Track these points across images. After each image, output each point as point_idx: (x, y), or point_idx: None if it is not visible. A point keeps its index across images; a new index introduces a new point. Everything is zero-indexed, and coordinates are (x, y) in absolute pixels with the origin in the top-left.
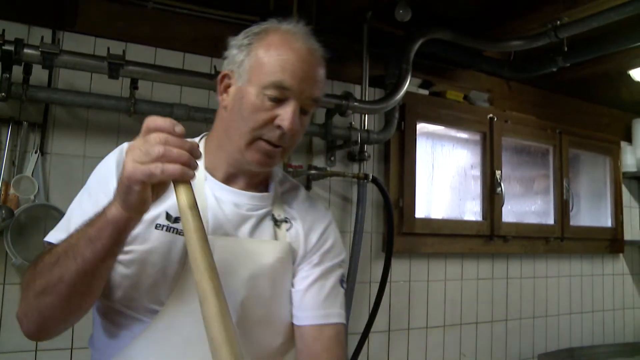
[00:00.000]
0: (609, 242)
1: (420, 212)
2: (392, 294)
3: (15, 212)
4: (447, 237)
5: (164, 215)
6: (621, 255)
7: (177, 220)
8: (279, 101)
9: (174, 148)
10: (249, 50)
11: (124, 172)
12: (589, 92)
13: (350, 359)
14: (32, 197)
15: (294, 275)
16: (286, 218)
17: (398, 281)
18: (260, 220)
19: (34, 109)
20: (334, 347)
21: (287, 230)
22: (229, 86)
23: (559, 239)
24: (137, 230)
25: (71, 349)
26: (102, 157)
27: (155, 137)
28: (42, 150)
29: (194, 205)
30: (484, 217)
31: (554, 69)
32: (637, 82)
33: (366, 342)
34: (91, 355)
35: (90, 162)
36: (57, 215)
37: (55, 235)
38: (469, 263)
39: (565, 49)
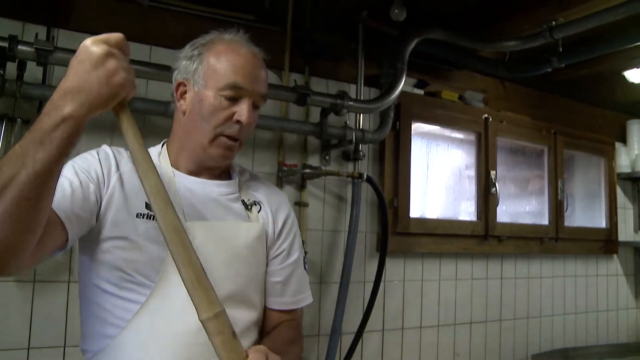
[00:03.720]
0: (603, 242)
1: (414, 212)
2: (387, 293)
3: None
4: (442, 237)
5: (143, 205)
6: (615, 256)
7: None
8: (234, 100)
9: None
10: (201, 59)
11: (113, 77)
12: (583, 93)
13: (344, 358)
14: None
15: (267, 259)
16: (255, 201)
17: (392, 281)
18: (232, 204)
19: (27, 106)
20: (295, 322)
21: (258, 212)
22: (184, 92)
23: (553, 240)
24: (120, 219)
25: (64, 346)
26: None
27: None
28: None
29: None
30: (478, 217)
31: (549, 70)
32: (632, 83)
33: (360, 341)
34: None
35: None
36: None
37: None
38: (463, 263)
39: (560, 49)
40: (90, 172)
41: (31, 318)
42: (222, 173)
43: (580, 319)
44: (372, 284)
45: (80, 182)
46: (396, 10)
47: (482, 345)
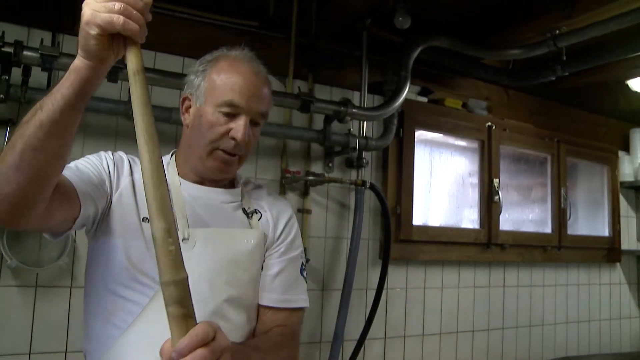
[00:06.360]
0: (606, 251)
1: (417, 220)
2: (389, 301)
3: None
4: (444, 244)
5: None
6: (618, 264)
7: None
8: (231, 116)
9: (134, 10)
10: (204, 75)
11: (82, 19)
12: (587, 101)
13: None
14: None
15: (263, 260)
16: (256, 209)
17: (395, 288)
18: (233, 211)
19: None
20: (288, 329)
21: (259, 219)
22: (189, 107)
23: (556, 248)
24: (128, 222)
25: (65, 352)
26: None
27: None
28: None
29: (142, 69)
30: (481, 225)
31: (553, 78)
32: (635, 92)
33: (362, 348)
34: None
35: None
36: None
37: None
38: (466, 271)
39: (564, 58)
40: (103, 166)
41: (33, 323)
42: (226, 185)
43: (583, 327)
44: (374, 291)
45: (96, 171)
46: (400, 18)
47: (484, 354)
